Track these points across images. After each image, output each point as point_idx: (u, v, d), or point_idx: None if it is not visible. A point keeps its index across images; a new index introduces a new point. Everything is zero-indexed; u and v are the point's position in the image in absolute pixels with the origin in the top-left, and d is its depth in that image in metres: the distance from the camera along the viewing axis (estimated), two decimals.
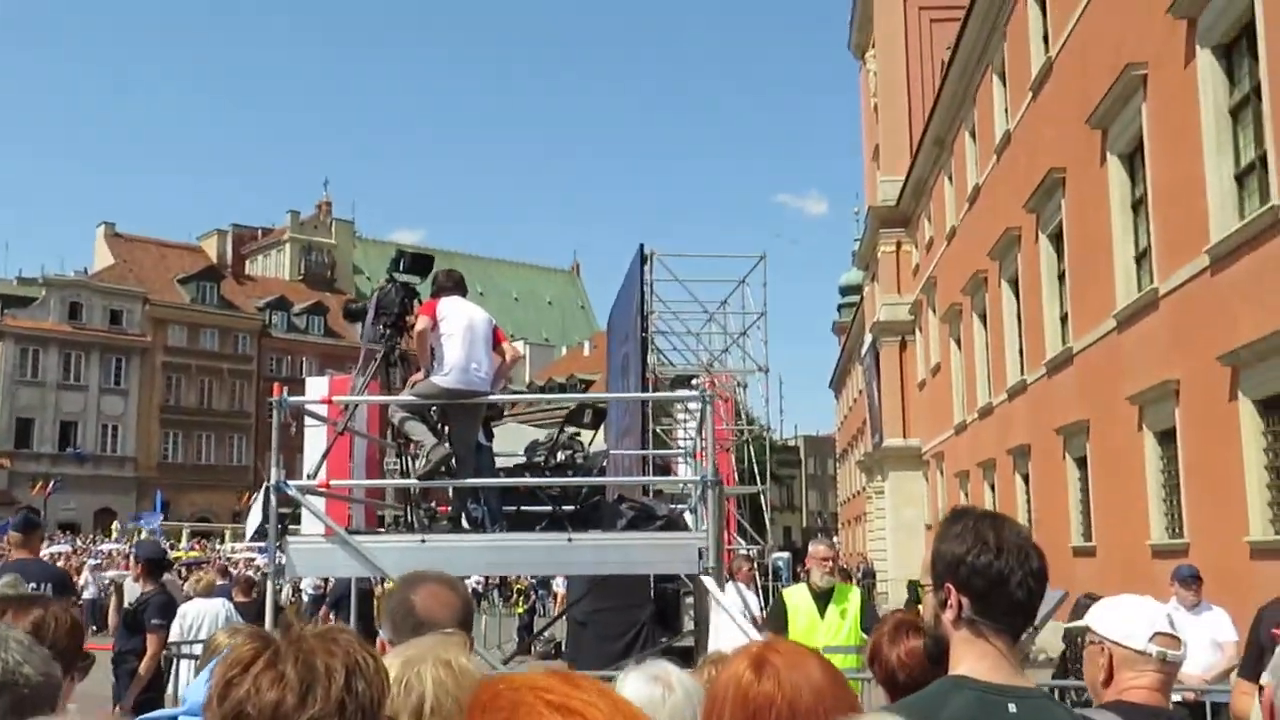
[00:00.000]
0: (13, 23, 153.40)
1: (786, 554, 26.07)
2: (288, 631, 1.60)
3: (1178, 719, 3.18)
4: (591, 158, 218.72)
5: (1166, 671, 2.74)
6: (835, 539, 68.97)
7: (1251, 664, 5.15)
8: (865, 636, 5.46)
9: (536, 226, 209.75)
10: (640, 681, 1.98)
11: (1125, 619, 2.80)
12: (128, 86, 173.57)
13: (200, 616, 9.81)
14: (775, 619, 7.32)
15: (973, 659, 2.26)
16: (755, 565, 16.31)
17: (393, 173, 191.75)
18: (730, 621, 5.91)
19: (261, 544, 36.27)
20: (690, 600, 14.59)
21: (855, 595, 7.36)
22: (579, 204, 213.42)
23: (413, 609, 2.58)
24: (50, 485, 51.67)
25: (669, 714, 1.92)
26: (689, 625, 14.37)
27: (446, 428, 8.01)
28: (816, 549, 7.43)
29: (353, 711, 1.58)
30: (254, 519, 7.68)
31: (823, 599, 7.18)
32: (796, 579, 37.76)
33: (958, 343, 29.79)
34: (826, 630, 7.02)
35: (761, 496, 22.19)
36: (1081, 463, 19.21)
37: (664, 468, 17.28)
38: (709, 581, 6.04)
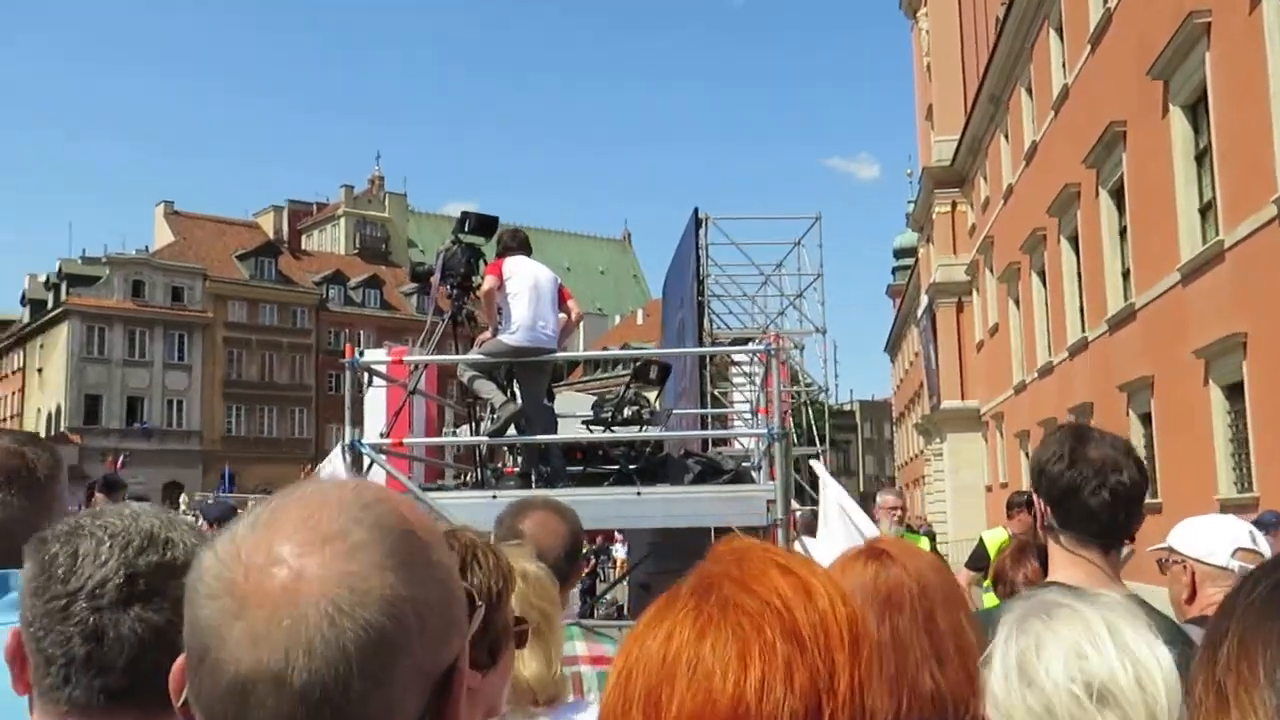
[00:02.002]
0: (70, 16, 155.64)
1: None
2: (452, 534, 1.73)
3: None
4: (642, 126, 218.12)
5: None
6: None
7: None
8: None
9: (588, 196, 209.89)
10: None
11: (1206, 536, 2.84)
12: (180, 70, 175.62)
13: None
14: None
15: (1065, 567, 2.34)
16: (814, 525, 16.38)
17: (444, 146, 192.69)
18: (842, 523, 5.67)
19: None
20: None
21: (923, 545, 7.41)
22: (630, 173, 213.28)
23: (521, 535, 2.64)
24: (119, 459, 52.80)
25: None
26: None
27: (514, 386, 8.13)
28: (885, 499, 7.53)
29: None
30: (328, 477, 7.79)
31: None
32: None
33: (1016, 302, 29.49)
34: None
35: (820, 458, 22.16)
36: (1146, 419, 19.02)
37: (722, 429, 17.30)
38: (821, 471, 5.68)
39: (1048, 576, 2.40)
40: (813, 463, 5.67)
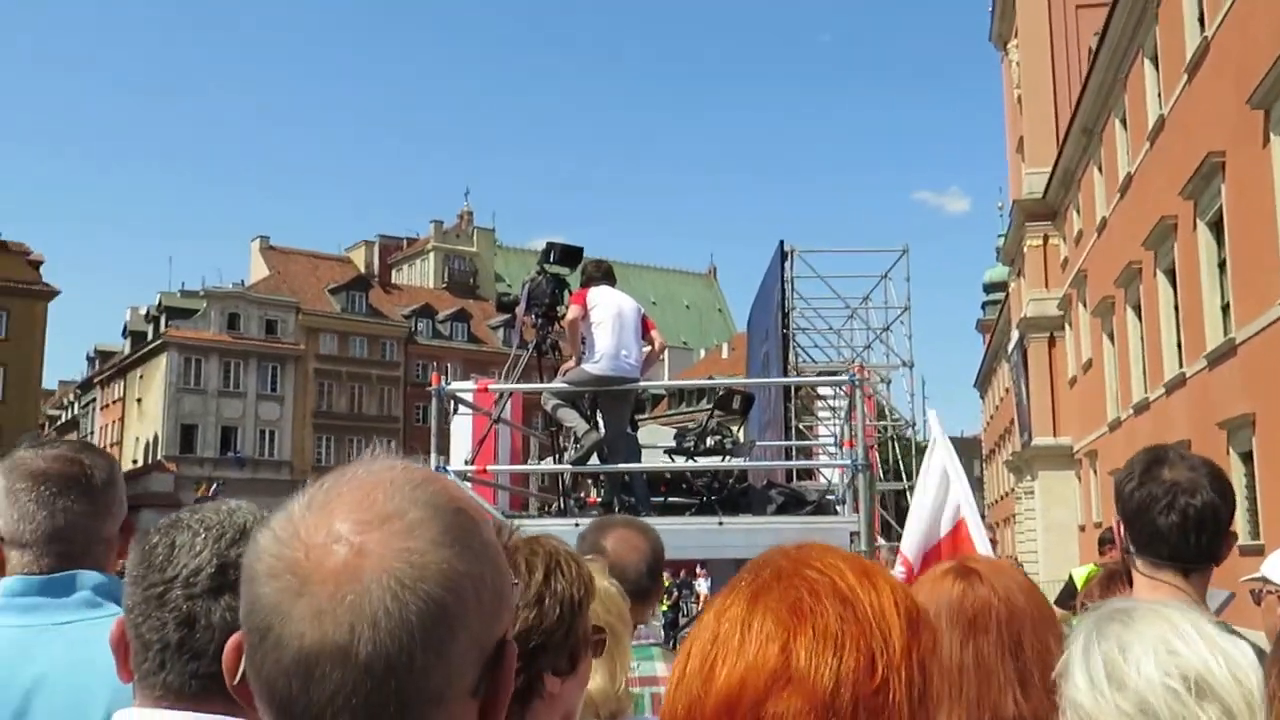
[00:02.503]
0: (167, 49, 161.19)
1: None
2: (498, 532, 1.76)
3: None
4: (730, 161, 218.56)
5: None
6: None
7: None
8: None
9: (674, 230, 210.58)
10: None
11: None
12: (276, 107, 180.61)
13: None
14: None
15: (1146, 591, 2.29)
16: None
17: (532, 182, 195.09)
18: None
19: None
20: None
21: None
22: (717, 208, 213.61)
23: (603, 552, 2.66)
24: (213, 488, 54.02)
25: None
26: None
27: (598, 415, 8.18)
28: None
29: (550, 605, 1.73)
30: None
31: None
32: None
33: (1110, 337, 28.89)
34: None
35: (907, 493, 21.89)
36: (1247, 458, 18.44)
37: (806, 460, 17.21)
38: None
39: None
40: (930, 413, 5.37)
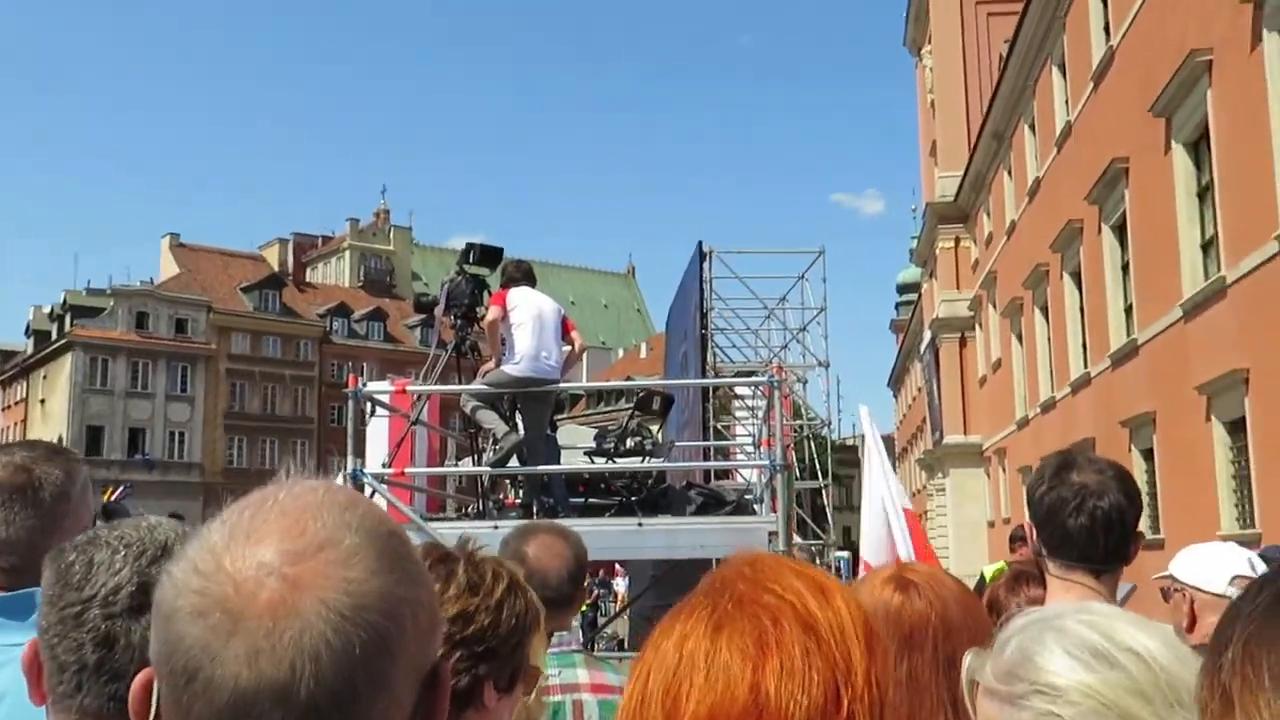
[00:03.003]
0: (75, 45, 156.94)
1: (846, 552, 25.96)
2: (465, 545, 1.78)
3: None
4: (646, 161, 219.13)
5: None
6: None
7: None
8: None
9: (592, 230, 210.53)
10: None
11: (1206, 564, 2.85)
12: (188, 101, 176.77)
13: None
14: None
15: (1059, 594, 2.34)
16: (818, 561, 16.32)
17: (450, 180, 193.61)
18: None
19: None
20: None
21: None
22: (635, 208, 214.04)
23: (525, 559, 2.64)
24: (120, 490, 52.69)
25: None
26: None
27: (517, 416, 8.15)
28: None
29: (508, 616, 1.73)
30: None
31: None
32: (855, 575, 37.46)
33: (1019, 337, 29.51)
34: None
35: (824, 492, 22.13)
36: (1148, 454, 18.99)
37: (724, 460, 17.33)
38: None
39: (1046, 603, 2.41)
40: (862, 409, 5.37)
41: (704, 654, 0.96)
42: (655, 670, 0.99)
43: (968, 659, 1.32)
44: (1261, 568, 2.91)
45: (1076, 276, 23.46)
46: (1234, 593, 2.75)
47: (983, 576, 7.73)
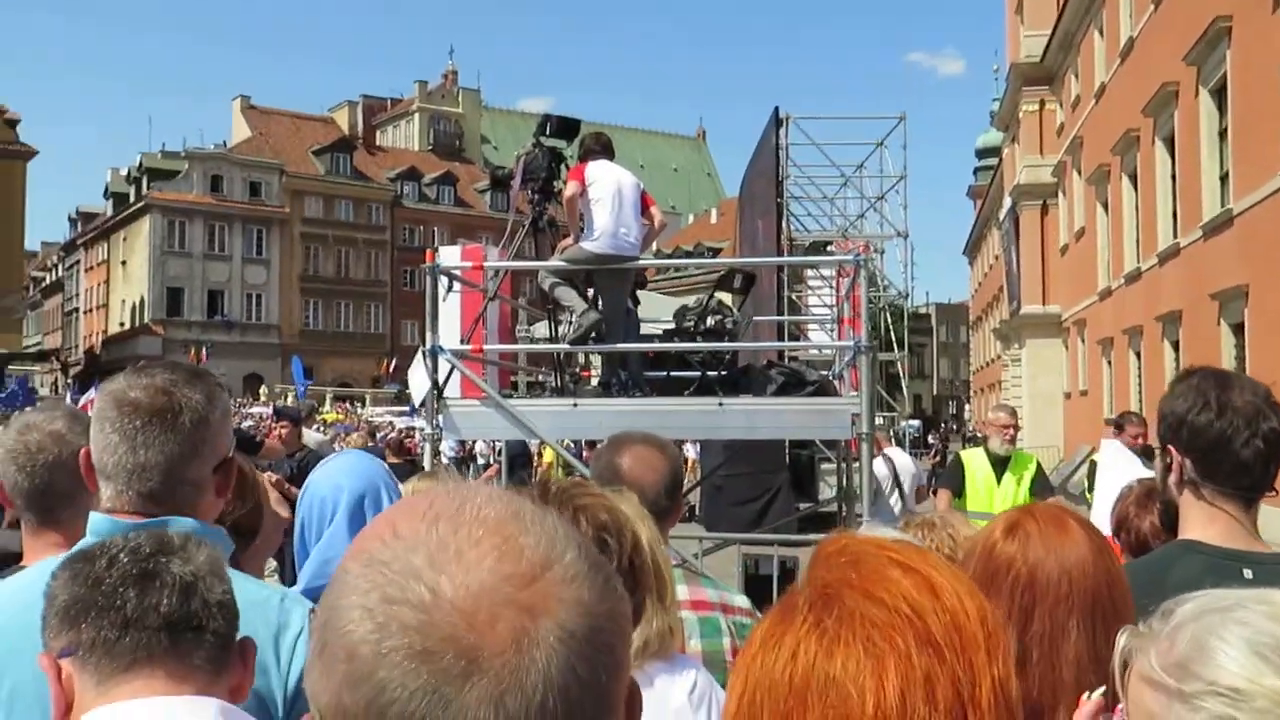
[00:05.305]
0: None
1: (918, 422, 25.88)
2: (546, 490, 1.63)
3: None
4: (720, 20, 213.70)
5: None
6: (968, 407, 67.97)
7: None
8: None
9: (663, 93, 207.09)
10: None
11: None
12: None
13: None
14: (952, 479, 7.42)
15: (1201, 523, 2.19)
16: (889, 431, 16.20)
17: (517, 41, 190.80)
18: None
19: (403, 407, 37.46)
20: (827, 466, 14.67)
21: (1033, 465, 7.39)
22: (705, 70, 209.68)
23: (619, 472, 2.54)
24: (203, 352, 53.95)
25: None
26: (826, 492, 14.48)
27: (595, 293, 8.03)
28: (997, 415, 7.49)
29: (639, 569, 1.60)
30: (419, 384, 7.82)
31: (1000, 465, 7.27)
32: (927, 446, 37.24)
33: (1104, 205, 28.67)
34: (1002, 496, 7.09)
35: (899, 365, 21.94)
36: (1238, 329, 18.45)
37: (795, 337, 17.17)
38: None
39: (1181, 533, 2.25)
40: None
41: (818, 681, 0.91)
42: (763, 694, 0.94)
43: (1123, 639, 1.20)
44: None
45: (1169, 142, 22.59)
46: None
47: (1093, 460, 7.62)
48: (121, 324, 68.05)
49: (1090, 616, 1.61)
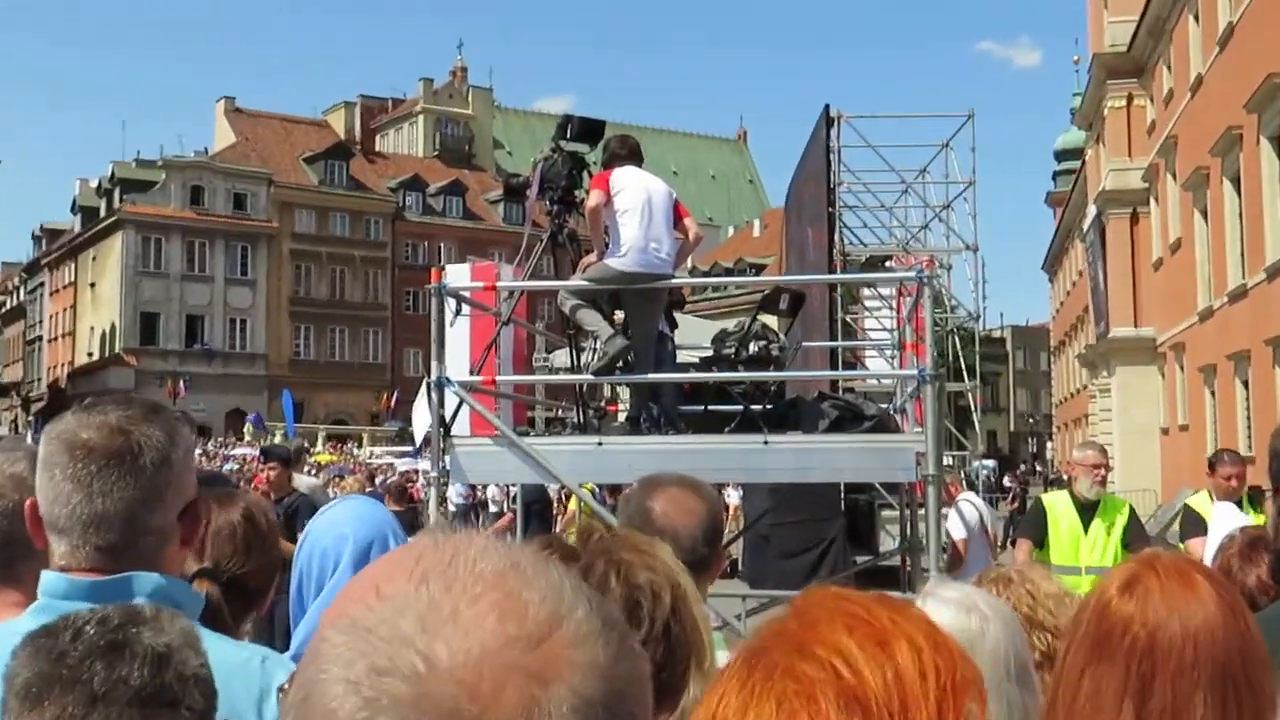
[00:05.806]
0: None
1: (992, 462, 25.74)
2: (588, 539, 1.62)
3: None
4: (760, 6, 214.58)
5: None
6: (1050, 444, 67.42)
7: None
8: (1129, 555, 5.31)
9: (697, 90, 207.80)
10: (948, 612, 1.84)
11: None
12: None
13: None
14: (1033, 527, 7.32)
15: None
16: (960, 473, 16.11)
17: (533, 33, 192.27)
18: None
19: (405, 447, 37.59)
20: (888, 514, 14.60)
21: (1125, 511, 7.29)
22: (747, 63, 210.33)
23: (650, 518, 2.54)
24: (180, 385, 54.36)
25: (990, 650, 1.79)
26: (888, 543, 14.41)
27: (623, 316, 8.04)
28: (1084, 454, 7.41)
29: (676, 636, 1.59)
30: (423, 421, 7.85)
31: (1088, 511, 7.16)
32: (1003, 490, 37.04)
33: (1204, 213, 28.60)
34: (1090, 547, 6.99)
35: (970, 396, 21.87)
36: None
37: (850, 364, 17.15)
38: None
39: None
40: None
41: None
42: None
43: None
44: None
45: (1276, 141, 22.52)
46: None
47: (1187, 507, 7.49)
48: (90, 354, 68.70)
49: (1220, 689, 1.58)
